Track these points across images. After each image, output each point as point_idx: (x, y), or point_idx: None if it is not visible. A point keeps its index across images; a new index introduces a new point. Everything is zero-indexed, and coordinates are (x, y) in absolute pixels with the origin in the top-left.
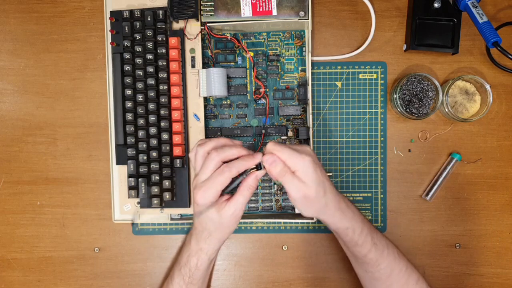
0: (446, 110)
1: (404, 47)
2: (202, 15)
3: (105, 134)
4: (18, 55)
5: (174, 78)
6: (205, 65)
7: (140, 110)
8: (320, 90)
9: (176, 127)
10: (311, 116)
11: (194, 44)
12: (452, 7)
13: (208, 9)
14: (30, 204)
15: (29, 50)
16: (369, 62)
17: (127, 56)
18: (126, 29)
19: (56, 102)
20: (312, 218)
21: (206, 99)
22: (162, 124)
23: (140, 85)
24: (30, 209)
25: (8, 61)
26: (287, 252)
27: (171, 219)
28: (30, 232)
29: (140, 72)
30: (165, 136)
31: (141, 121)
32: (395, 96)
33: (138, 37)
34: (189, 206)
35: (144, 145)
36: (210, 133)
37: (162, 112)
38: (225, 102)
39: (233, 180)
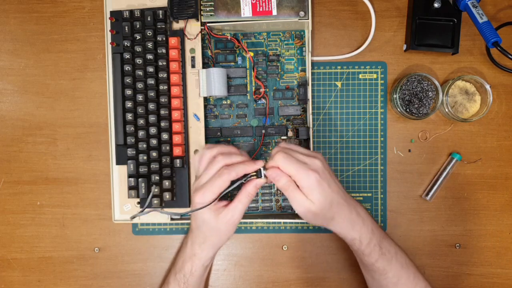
0: (446, 110)
1: (404, 47)
2: (202, 15)
3: (105, 134)
4: (18, 55)
5: (174, 78)
6: (205, 65)
7: (140, 110)
8: (320, 90)
9: (176, 127)
10: (311, 116)
11: (194, 44)
12: (452, 7)
13: (208, 9)
14: (30, 204)
15: (29, 50)
16: (369, 62)
17: (127, 56)
18: (126, 29)
19: (56, 102)
20: None
21: (206, 99)
22: (162, 124)
23: (140, 85)
24: (30, 209)
25: (8, 61)
26: (287, 252)
27: (171, 219)
28: (30, 232)
29: (140, 72)
30: (165, 136)
31: (141, 121)
32: (395, 96)
33: (138, 37)
34: (189, 206)
35: (144, 145)
36: (210, 133)
37: (162, 112)
38: (225, 102)
39: (232, 183)
